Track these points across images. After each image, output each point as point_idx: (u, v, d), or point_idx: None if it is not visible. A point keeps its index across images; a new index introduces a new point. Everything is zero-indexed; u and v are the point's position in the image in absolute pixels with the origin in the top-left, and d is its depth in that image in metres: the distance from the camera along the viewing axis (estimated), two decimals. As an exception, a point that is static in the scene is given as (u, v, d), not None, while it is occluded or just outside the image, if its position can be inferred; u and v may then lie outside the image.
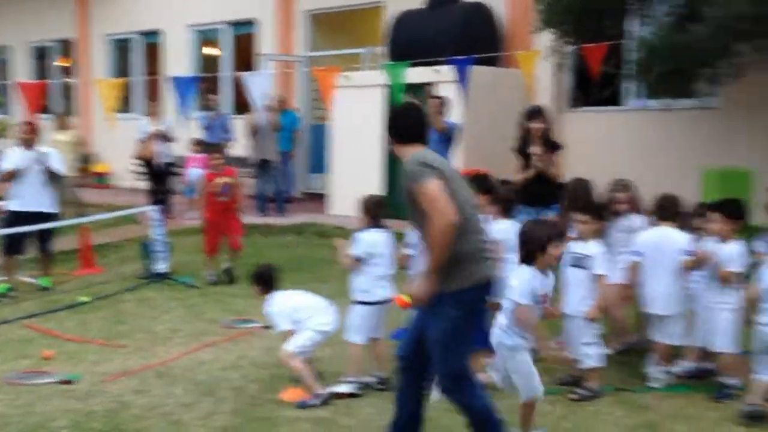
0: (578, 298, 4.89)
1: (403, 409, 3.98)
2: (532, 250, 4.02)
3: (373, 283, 4.82)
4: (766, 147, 8.55)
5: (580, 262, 4.91)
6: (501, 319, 4.12)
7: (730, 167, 7.99)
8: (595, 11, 7.99)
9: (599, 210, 5.19)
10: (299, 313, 4.97)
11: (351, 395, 4.82)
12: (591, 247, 4.91)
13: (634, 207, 5.52)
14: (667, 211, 5.19)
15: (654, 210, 5.31)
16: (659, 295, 5.06)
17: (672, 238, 5.06)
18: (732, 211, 4.91)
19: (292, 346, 4.90)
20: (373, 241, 4.85)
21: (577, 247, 4.97)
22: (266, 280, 5.13)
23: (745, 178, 7.53)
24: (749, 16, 5.98)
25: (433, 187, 3.52)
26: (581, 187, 5.73)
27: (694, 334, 5.11)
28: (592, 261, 4.86)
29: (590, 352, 4.87)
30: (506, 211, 5.34)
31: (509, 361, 4.09)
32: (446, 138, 7.29)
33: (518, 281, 4.02)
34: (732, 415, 4.50)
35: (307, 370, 4.87)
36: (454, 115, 8.75)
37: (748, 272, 4.85)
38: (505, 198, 5.39)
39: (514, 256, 5.41)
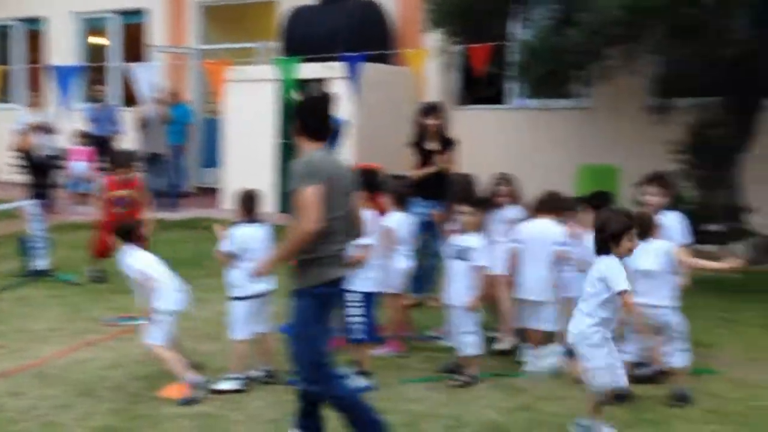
0: (460, 289, 5.08)
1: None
2: (605, 240, 4.05)
3: (247, 278, 4.73)
4: (631, 145, 9.12)
5: (462, 254, 5.11)
6: (583, 314, 4.11)
7: (601, 164, 8.48)
8: (480, 13, 8.25)
9: (481, 203, 5.41)
10: (151, 271, 4.88)
11: (236, 391, 4.82)
12: (473, 240, 5.12)
13: (515, 199, 5.79)
14: (546, 205, 5.48)
15: (534, 203, 5.60)
16: (534, 282, 5.33)
17: (549, 231, 5.34)
18: (599, 203, 5.22)
19: (152, 338, 4.84)
20: (247, 235, 4.83)
21: (459, 240, 5.17)
22: (126, 233, 5.05)
23: (613, 174, 8.00)
24: (621, 22, 6.36)
25: (308, 194, 3.72)
26: (464, 181, 5.96)
27: (564, 319, 5.42)
28: (473, 253, 5.07)
29: (470, 341, 5.08)
30: (400, 204, 5.55)
31: (593, 354, 4.08)
32: (333, 134, 7.34)
33: (614, 271, 3.98)
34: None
35: (176, 358, 4.81)
36: (347, 111, 8.86)
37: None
38: (398, 191, 5.60)
39: (405, 247, 5.67)
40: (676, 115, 8.39)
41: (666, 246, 4.78)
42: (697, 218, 7.73)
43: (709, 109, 8.14)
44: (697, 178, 8.12)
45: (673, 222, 5.08)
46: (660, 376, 4.92)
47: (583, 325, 4.10)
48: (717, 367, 5.25)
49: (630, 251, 4.09)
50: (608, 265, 4.01)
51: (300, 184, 3.74)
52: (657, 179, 5.29)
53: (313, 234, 3.72)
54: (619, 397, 4.65)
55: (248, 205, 4.93)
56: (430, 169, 6.32)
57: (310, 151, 3.90)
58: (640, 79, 8.84)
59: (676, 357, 4.72)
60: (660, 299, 4.69)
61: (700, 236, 7.62)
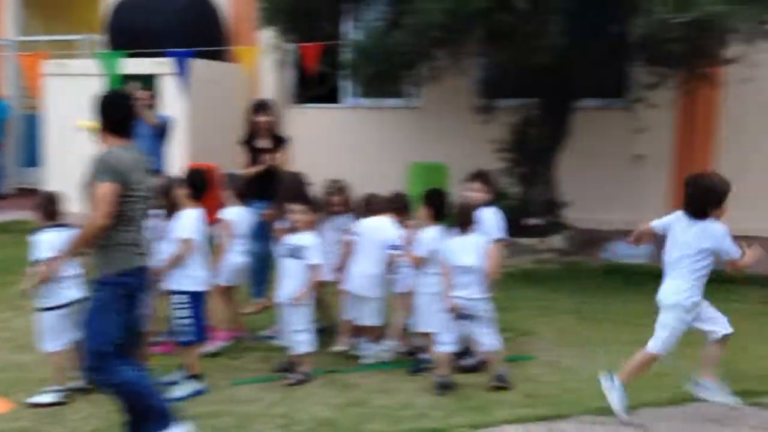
0: (292, 287, 5.10)
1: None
2: (707, 204, 4.36)
3: (53, 286, 4.52)
4: (459, 143, 9.54)
5: (294, 253, 5.13)
6: (680, 279, 4.44)
7: (431, 162, 8.80)
8: (311, 11, 8.30)
9: (313, 202, 5.46)
10: None
11: (55, 404, 4.59)
12: (305, 238, 5.15)
13: (347, 208, 5.85)
14: (382, 203, 5.62)
15: (369, 202, 5.72)
16: (363, 278, 5.45)
17: (383, 230, 5.46)
18: (434, 200, 5.39)
19: None
20: (51, 241, 4.54)
21: (291, 239, 5.19)
22: None
23: (443, 171, 8.33)
24: (443, 25, 6.62)
25: (103, 190, 3.88)
26: (295, 179, 5.97)
27: (397, 314, 5.60)
28: (306, 251, 5.11)
29: (302, 339, 5.11)
30: (240, 199, 5.74)
31: (677, 317, 4.43)
32: (159, 132, 7.14)
33: (720, 231, 4.33)
34: (426, 386, 4.99)
35: None
36: (176, 108, 8.60)
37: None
38: (239, 187, 5.78)
39: (241, 242, 5.61)
40: (499, 115, 8.85)
41: (482, 240, 5.04)
42: (518, 213, 8.28)
43: (528, 109, 8.66)
44: (518, 175, 8.64)
45: (490, 217, 5.35)
46: (483, 365, 5.19)
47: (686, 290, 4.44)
48: (534, 353, 5.61)
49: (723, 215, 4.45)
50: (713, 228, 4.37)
51: (96, 178, 3.91)
52: (479, 176, 5.55)
53: (102, 228, 3.88)
54: (443, 386, 4.88)
55: (49, 209, 4.69)
56: (260, 168, 6.28)
57: (110, 146, 4.03)
58: (467, 80, 9.26)
59: (489, 341, 4.97)
60: (477, 292, 4.93)
61: (521, 230, 8.17)
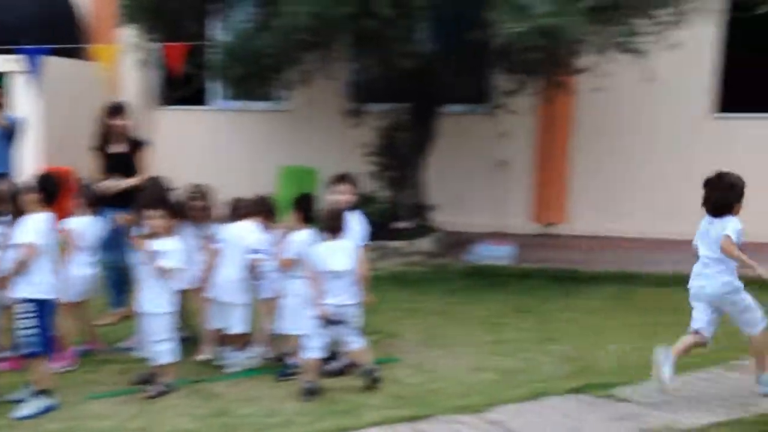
0: (152, 295, 4.92)
1: None
2: (731, 202, 4.62)
3: None
4: (329, 147, 9.56)
5: (153, 260, 4.94)
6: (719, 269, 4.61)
7: (301, 165, 8.75)
8: (175, 11, 8.07)
9: (173, 207, 5.28)
10: None
11: None
12: (164, 244, 4.97)
13: (209, 214, 5.70)
14: (248, 208, 5.52)
15: (236, 206, 5.59)
16: (227, 284, 5.34)
17: (246, 235, 5.36)
18: (303, 205, 5.37)
19: None
20: None
21: (150, 245, 4.99)
22: None
23: (313, 175, 8.31)
24: (309, 29, 6.60)
25: None
26: (155, 184, 5.77)
27: (264, 320, 5.52)
28: (165, 257, 4.93)
29: (163, 349, 4.93)
30: (90, 208, 5.49)
31: (735, 301, 4.63)
32: (8, 134, 6.69)
33: (736, 226, 4.55)
34: (293, 392, 4.94)
35: None
36: (28, 108, 8.13)
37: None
38: (89, 195, 5.54)
39: (88, 253, 5.34)
40: (369, 119, 8.93)
41: (351, 245, 5.05)
42: (387, 216, 8.38)
43: (397, 114, 8.78)
44: (387, 178, 8.74)
45: (355, 221, 5.37)
46: (349, 368, 5.19)
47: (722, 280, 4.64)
48: (400, 354, 5.67)
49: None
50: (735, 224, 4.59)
51: None
52: (345, 179, 5.56)
53: None
54: (310, 392, 4.85)
55: None
56: (130, 181, 5.98)
57: None
58: (337, 83, 9.28)
59: (354, 340, 4.99)
60: (348, 298, 4.94)
61: (390, 233, 8.27)
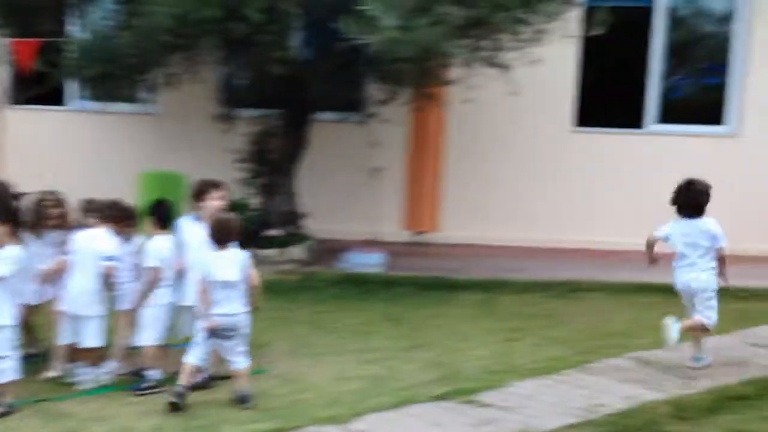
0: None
1: None
2: (705, 202, 5.26)
3: None
4: (199, 153, 9.24)
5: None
6: (704, 266, 5.25)
7: (165, 171, 8.40)
8: (31, 7, 7.58)
9: (13, 213, 4.93)
10: None
11: None
12: (4, 253, 4.61)
13: (64, 222, 5.35)
14: (100, 214, 5.23)
15: (88, 212, 5.28)
16: (79, 295, 5.03)
17: (98, 242, 5.09)
18: (157, 211, 5.21)
19: None
20: None
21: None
22: None
23: (179, 181, 7.98)
24: (171, 30, 6.34)
25: None
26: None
27: (120, 333, 5.23)
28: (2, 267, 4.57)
29: (3, 367, 4.57)
30: None
31: (708, 300, 5.28)
32: None
33: (719, 226, 5.24)
34: (152, 407, 4.69)
35: None
36: None
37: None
38: None
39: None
40: (240, 125, 8.71)
41: (241, 254, 4.88)
42: (259, 224, 8.19)
43: (269, 120, 8.62)
44: (258, 185, 8.55)
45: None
46: (210, 381, 5.00)
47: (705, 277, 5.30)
48: (266, 365, 5.51)
49: None
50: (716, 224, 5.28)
51: None
52: (219, 185, 5.41)
53: None
54: (178, 395, 4.63)
55: None
56: None
57: None
58: (207, 87, 9.01)
59: (241, 359, 4.83)
60: (238, 307, 4.81)
61: (261, 241, 8.08)
